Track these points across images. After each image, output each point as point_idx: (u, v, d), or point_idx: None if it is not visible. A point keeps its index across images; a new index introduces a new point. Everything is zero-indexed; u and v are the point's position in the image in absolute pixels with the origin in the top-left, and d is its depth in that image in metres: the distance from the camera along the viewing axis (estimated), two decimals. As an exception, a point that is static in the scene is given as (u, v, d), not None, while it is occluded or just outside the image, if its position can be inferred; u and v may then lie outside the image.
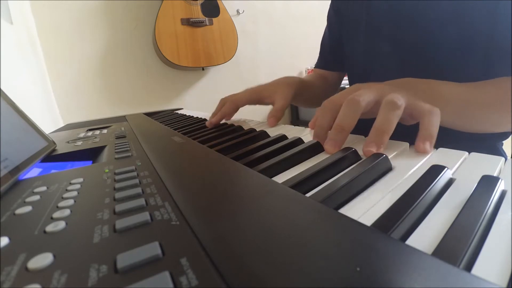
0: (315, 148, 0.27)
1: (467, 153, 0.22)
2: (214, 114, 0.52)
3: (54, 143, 0.36)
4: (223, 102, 0.53)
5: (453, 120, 0.35)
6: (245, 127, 0.43)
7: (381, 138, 0.24)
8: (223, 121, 0.54)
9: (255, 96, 0.53)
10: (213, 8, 1.69)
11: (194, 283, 0.09)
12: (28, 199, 0.18)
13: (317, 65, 0.74)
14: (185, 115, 0.74)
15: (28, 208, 0.16)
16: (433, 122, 0.25)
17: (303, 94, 0.59)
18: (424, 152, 0.23)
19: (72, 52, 1.54)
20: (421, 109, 0.26)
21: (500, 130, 0.39)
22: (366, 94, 0.28)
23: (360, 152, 0.25)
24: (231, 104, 0.52)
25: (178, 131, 0.47)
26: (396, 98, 0.26)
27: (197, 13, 1.64)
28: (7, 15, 0.96)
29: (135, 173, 0.21)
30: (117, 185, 0.19)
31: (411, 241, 0.12)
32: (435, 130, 0.25)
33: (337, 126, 0.27)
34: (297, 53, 2.17)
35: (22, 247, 0.12)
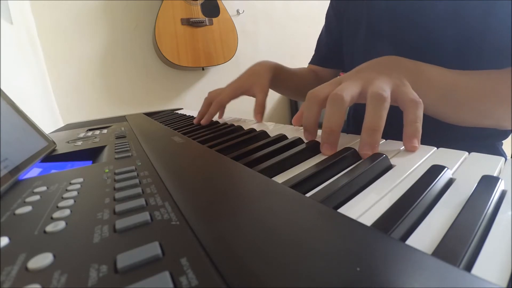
0: (315, 148, 0.27)
1: (467, 153, 0.22)
2: (201, 114, 0.55)
3: (54, 143, 0.36)
4: (209, 101, 0.56)
5: (437, 106, 0.33)
6: (245, 127, 0.43)
7: (374, 138, 0.24)
8: (222, 121, 0.56)
9: (238, 92, 0.56)
10: (213, 8, 1.69)
11: (194, 283, 0.09)
12: (28, 199, 0.18)
13: (312, 61, 0.75)
14: (185, 115, 0.74)
15: (28, 208, 0.16)
16: (417, 115, 0.25)
17: (284, 81, 0.62)
18: (413, 150, 0.23)
19: (72, 52, 1.54)
20: (406, 98, 0.26)
21: (487, 125, 0.36)
22: (349, 87, 0.27)
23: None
24: (217, 105, 0.54)
25: (178, 131, 0.47)
26: (381, 90, 0.25)
27: (197, 13, 1.64)
28: (7, 15, 0.96)
29: (135, 173, 0.21)
30: (117, 185, 0.19)
31: (411, 241, 0.12)
32: (420, 124, 0.25)
33: (326, 128, 0.27)
34: (297, 53, 2.17)
35: (22, 247, 0.12)
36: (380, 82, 0.27)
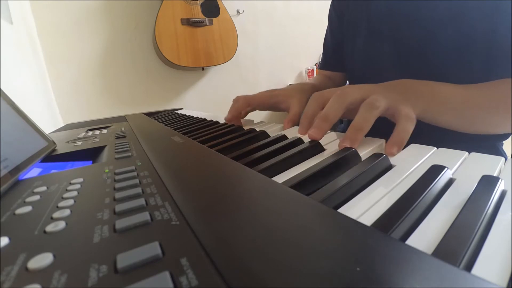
0: (315, 148, 0.27)
1: (467, 153, 0.22)
2: (229, 112, 0.52)
3: (54, 143, 0.36)
4: (236, 99, 0.52)
5: (452, 121, 0.35)
6: (245, 127, 0.43)
7: (356, 135, 0.26)
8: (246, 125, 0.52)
9: (271, 100, 0.52)
10: (213, 8, 1.69)
11: (194, 283, 0.09)
12: (28, 199, 0.18)
13: (321, 66, 0.73)
14: (185, 115, 0.74)
15: (28, 208, 0.16)
16: (405, 129, 0.27)
17: None
18: (390, 156, 0.25)
19: (72, 52, 1.54)
20: (399, 113, 0.28)
21: (500, 131, 0.39)
22: (353, 92, 0.30)
23: (361, 153, 0.25)
24: (244, 100, 0.51)
25: (178, 131, 0.47)
26: (375, 100, 0.28)
27: (197, 13, 1.64)
28: (7, 15, 0.96)
29: (135, 173, 0.21)
30: (117, 185, 0.19)
31: (411, 241, 0.12)
32: (405, 137, 0.26)
33: (322, 115, 0.30)
34: (297, 53, 2.17)
35: (22, 247, 0.12)
36: (379, 95, 0.29)
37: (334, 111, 0.29)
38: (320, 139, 0.29)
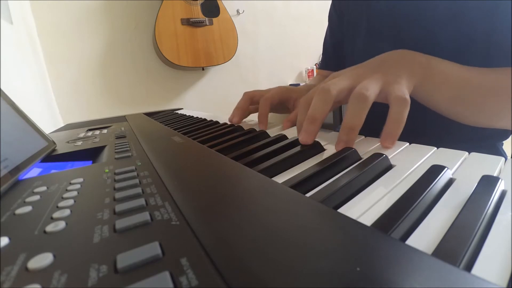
0: (315, 148, 0.27)
1: (467, 153, 0.22)
2: (236, 110, 0.49)
3: (54, 143, 0.36)
4: (249, 97, 0.49)
5: (450, 104, 0.33)
6: (245, 127, 0.43)
7: (349, 136, 0.25)
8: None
9: (284, 96, 0.48)
10: (213, 8, 1.69)
11: (194, 283, 0.09)
12: (28, 199, 0.18)
13: (321, 66, 0.73)
14: (185, 115, 0.74)
15: (28, 208, 0.16)
16: (398, 114, 0.25)
17: None
18: (385, 148, 0.25)
19: (72, 52, 1.54)
20: (393, 95, 0.26)
21: (497, 123, 0.36)
22: (338, 82, 0.28)
23: (360, 152, 0.25)
24: (266, 102, 0.45)
25: (178, 131, 0.47)
26: (364, 89, 0.26)
27: (197, 13, 1.64)
28: (7, 15, 0.96)
29: (135, 173, 0.21)
30: (117, 185, 0.19)
31: (411, 241, 0.12)
32: (399, 125, 0.25)
33: (309, 117, 0.28)
34: (297, 53, 2.17)
35: (22, 247, 0.12)
36: (368, 81, 0.27)
37: (319, 110, 0.28)
38: (311, 143, 0.27)
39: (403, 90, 0.27)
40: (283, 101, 0.49)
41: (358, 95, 0.26)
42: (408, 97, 0.26)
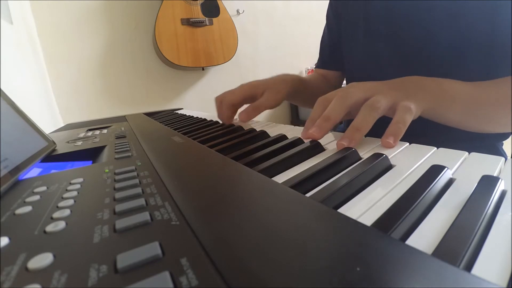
0: (315, 148, 0.27)
1: (467, 153, 0.22)
2: (219, 115, 0.51)
3: (54, 143, 0.36)
4: (219, 100, 0.51)
5: (460, 119, 0.35)
6: (245, 127, 0.43)
7: (354, 135, 0.27)
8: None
9: (249, 92, 0.50)
10: (213, 8, 1.69)
11: (194, 283, 0.09)
12: (28, 199, 0.18)
13: (317, 65, 0.73)
14: (185, 115, 0.74)
15: (28, 208, 0.16)
16: (403, 118, 0.27)
17: (302, 92, 0.59)
18: (387, 146, 0.25)
19: (72, 52, 1.54)
20: (400, 105, 0.28)
21: (506, 130, 0.39)
22: (356, 92, 0.30)
23: (361, 153, 0.25)
24: (226, 105, 0.49)
25: (178, 131, 0.47)
26: (376, 101, 0.28)
27: (197, 13, 1.64)
28: (7, 15, 0.96)
29: (135, 173, 0.21)
30: (117, 185, 0.19)
31: (411, 241, 0.12)
32: (402, 127, 0.26)
33: (324, 115, 0.30)
34: (297, 53, 2.17)
35: (22, 247, 0.12)
36: (382, 95, 0.29)
37: (335, 112, 0.30)
38: (319, 139, 0.29)
39: (411, 104, 0.29)
40: (247, 99, 0.51)
41: (371, 103, 0.28)
42: (414, 108, 0.28)
